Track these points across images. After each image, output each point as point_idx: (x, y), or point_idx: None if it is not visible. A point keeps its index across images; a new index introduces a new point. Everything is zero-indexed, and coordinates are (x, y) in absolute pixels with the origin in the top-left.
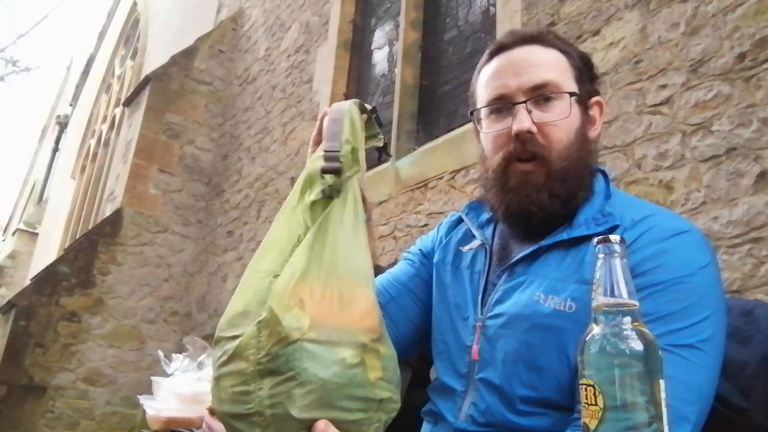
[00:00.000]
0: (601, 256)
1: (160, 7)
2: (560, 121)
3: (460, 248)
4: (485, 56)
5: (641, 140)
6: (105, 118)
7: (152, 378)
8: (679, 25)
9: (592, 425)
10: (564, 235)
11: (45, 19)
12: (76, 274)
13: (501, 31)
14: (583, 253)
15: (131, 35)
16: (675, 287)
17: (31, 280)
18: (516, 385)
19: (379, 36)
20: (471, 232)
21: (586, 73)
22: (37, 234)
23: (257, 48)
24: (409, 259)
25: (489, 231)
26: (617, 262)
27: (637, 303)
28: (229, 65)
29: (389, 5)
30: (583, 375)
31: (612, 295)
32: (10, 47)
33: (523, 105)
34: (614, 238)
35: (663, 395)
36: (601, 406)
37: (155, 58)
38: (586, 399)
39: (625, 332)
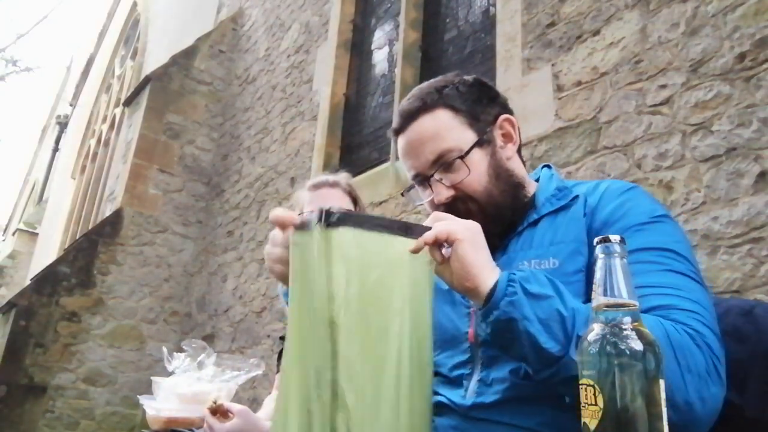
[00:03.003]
0: (601, 256)
1: (160, 7)
2: (468, 177)
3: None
4: (392, 137)
5: (641, 140)
6: (105, 118)
7: (152, 378)
8: (679, 25)
9: (592, 425)
10: (534, 215)
11: (45, 19)
12: (76, 274)
13: (501, 31)
14: (547, 224)
15: (131, 35)
16: (649, 226)
17: (31, 280)
18: None
19: (379, 36)
20: None
21: (479, 104)
22: (37, 234)
23: (257, 48)
24: None
25: None
26: (617, 262)
27: (637, 303)
28: (229, 65)
29: (389, 5)
30: (583, 375)
31: (612, 295)
32: (10, 47)
33: (433, 178)
34: (614, 238)
35: (663, 395)
36: (601, 406)
37: (155, 58)
38: (586, 399)
39: (625, 332)
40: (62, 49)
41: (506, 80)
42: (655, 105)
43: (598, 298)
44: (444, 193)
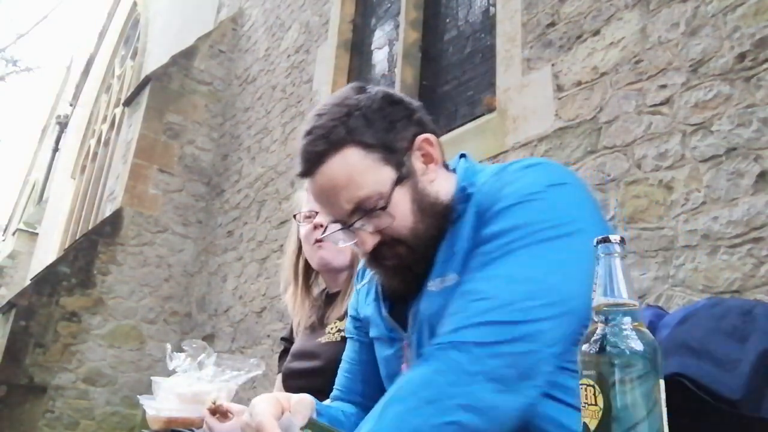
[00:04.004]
0: (600, 256)
1: (160, 7)
2: (393, 222)
3: (357, 287)
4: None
5: (641, 140)
6: (105, 118)
7: (152, 378)
8: (679, 25)
9: (592, 425)
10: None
11: (45, 19)
12: (76, 274)
13: (501, 31)
14: (453, 232)
15: (131, 35)
16: (512, 207)
17: (31, 280)
18: None
19: (379, 36)
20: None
21: (393, 129)
22: (37, 234)
23: (257, 48)
24: (349, 333)
25: None
26: (617, 262)
27: (637, 303)
28: (229, 65)
29: (389, 5)
30: (582, 375)
31: (612, 295)
32: (10, 47)
33: (355, 227)
34: (614, 238)
35: (663, 395)
36: (601, 406)
37: (155, 58)
38: (586, 399)
39: (625, 332)
40: (62, 49)
41: (506, 80)
42: (655, 105)
43: (598, 298)
44: (369, 242)
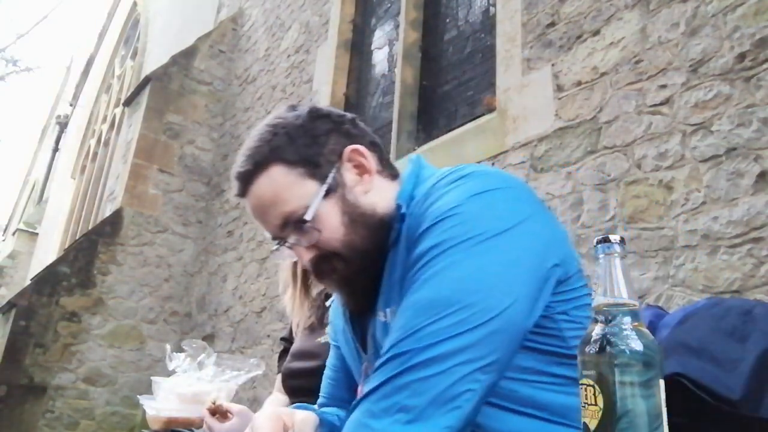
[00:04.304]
0: (600, 256)
1: (160, 7)
2: (322, 234)
3: (326, 303)
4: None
5: (641, 140)
6: (105, 118)
7: (152, 378)
8: (679, 25)
9: (592, 425)
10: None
11: (45, 19)
12: (76, 274)
13: (501, 31)
14: (396, 254)
15: (131, 35)
16: (437, 224)
17: (31, 280)
18: None
19: (379, 36)
20: None
21: (317, 143)
22: (37, 234)
23: (257, 48)
24: (332, 339)
25: None
26: (617, 262)
27: (637, 303)
28: (229, 65)
29: (389, 5)
30: (583, 375)
31: (612, 295)
32: (10, 47)
33: (289, 242)
34: (614, 237)
35: (663, 395)
36: (601, 407)
37: (155, 58)
38: (586, 399)
39: (625, 332)
40: (62, 49)
41: (506, 80)
42: (655, 105)
43: (598, 298)
44: (305, 256)
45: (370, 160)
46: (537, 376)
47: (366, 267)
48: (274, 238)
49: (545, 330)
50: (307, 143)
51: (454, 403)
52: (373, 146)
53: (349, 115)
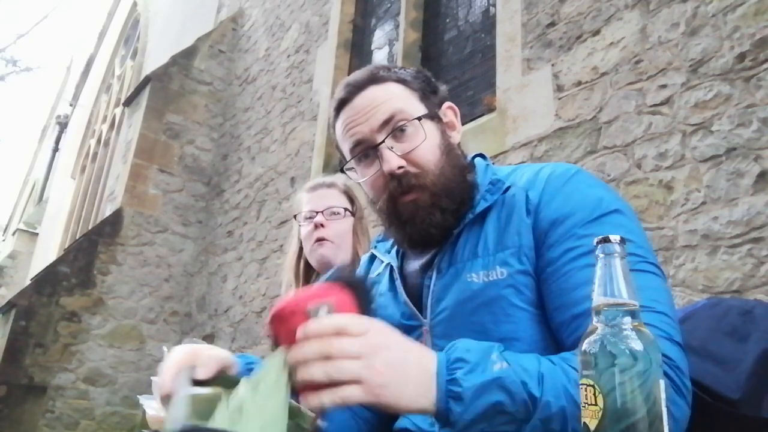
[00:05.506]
0: (600, 256)
1: (160, 7)
2: (421, 144)
3: (371, 277)
4: (332, 113)
5: (641, 140)
6: (105, 118)
7: (152, 378)
8: (679, 25)
9: (592, 425)
10: (470, 216)
11: (45, 19)
12: (76, 274)
13: (501, 31)
14: (491, 226)
15: (131, 35)
16: (603, 221)
17: (31, 280)
18: None
19: (379, 36)
20: (380, 260)
21: (427, 87)
22: (37, 234)
23: (257, 48)
24: None
25: (393, 252)
26: (617, 262)
27: (637, 303)
28: (229, 65)
29: (389, 5)
30: (582, 375)
31: (612, 295)
32: (10, 47)
33: (384, 145)
34: (614, 238)
35: (663, 395)
36: (601, 406)
37: (155, 58)
38: (586, 399)
39: (625, 332)
40: (62, 49)
41: (506, 80)
42: (655, 105)
43: (598, 298)
44: (395, 162)
45: (458, 123)
46: None
47: (446, 196)
48: (358, 144)
49: None
50: (421, 83)
51: None
52: None
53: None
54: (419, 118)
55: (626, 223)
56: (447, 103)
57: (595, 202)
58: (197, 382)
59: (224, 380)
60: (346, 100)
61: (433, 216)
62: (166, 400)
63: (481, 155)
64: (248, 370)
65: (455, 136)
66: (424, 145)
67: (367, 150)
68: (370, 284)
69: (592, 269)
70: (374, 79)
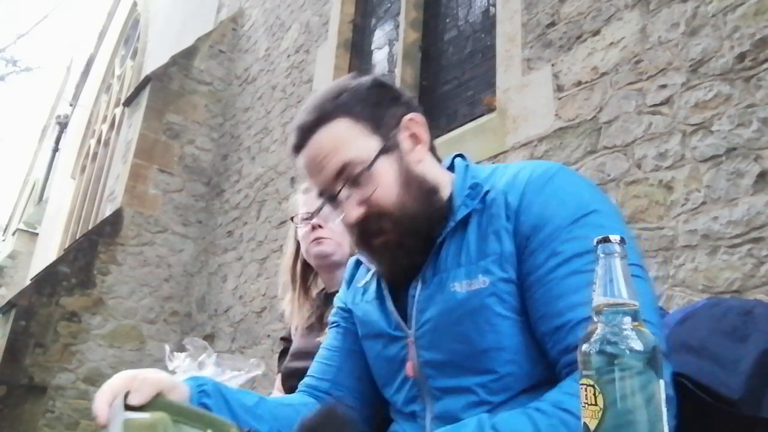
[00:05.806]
0: (601, 256)
1: (160, 7)
2: (378, 187)
3: (358, 285)
4: (292, 154)
5: (641, 140)
6: (105, 118)
7: None
8: (679, 25)
9: (592, 425)
10: (451, 224)
11: (45, 19)
12: (76, 274)
13: (501, 31)
14: (472, 233)
15: (131, 35)
16: (582, 222)
17: (31, 280)
18: (470, 377)
19: (379, 36)
20: (366, 267)
21: (383, 101)
22: (37, 234)
23: (257, 48)
24: (334, 323)
25: None
26: (617, 262)
27: (637, 303)
28: (229, 65)
29: (389, 5)
30: (582, 375)
31: (612, 295)
32: (10, 47)
33: (340, 196)
34: (614, 238)
35: (663, 395)
36: (601, 407)
37: (155, 58)
38: (586, 399)
39: (625, 332)
40: (62, 49)
41: (506, 80)
42: (655, 105)
43: (598, 298)
44: (354, 213)
45: (424, 131)
46: None
47: (413, 232)
48: (321, 194)
49: None
50: (373, 104)
51: None
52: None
53: (407, 91)
54: (373, 161)
55: (606, 223)
56: (409, 116)
57: (576, 204)
58: (139, 408)
59: (162, 404)
60: (300, 146)
61: (401, 258)
62: (103, 429)
63: (461, 155)
64: (200, 392)
65: (419, 151)
66: (381, 187)
67: (330, 198)
68: None
69: (574, 276)
70: (321, 119)
